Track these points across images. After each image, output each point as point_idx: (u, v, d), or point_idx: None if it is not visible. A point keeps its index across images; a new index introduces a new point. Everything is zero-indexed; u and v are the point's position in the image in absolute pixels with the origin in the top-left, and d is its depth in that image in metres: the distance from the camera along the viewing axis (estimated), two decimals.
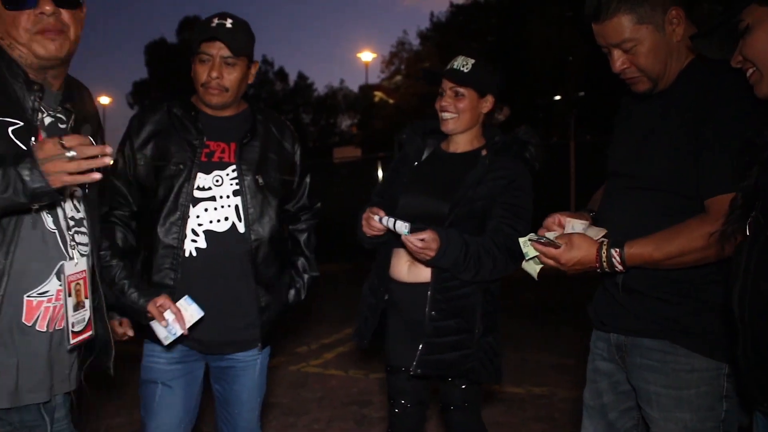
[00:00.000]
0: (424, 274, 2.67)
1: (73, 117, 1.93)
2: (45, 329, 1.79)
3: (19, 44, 1.78)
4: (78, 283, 1.85)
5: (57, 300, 1.81)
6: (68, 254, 1.84)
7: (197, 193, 2.50)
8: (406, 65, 33.78)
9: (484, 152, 2.76)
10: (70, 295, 1.81)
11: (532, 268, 2.21)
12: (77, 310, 1.85)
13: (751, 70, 1.67)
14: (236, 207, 2.53)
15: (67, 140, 1.61)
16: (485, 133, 2.84)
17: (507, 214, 2.63)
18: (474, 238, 2.59)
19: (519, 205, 2.66)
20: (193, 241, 2.50)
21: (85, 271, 1.88)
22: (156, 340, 2.46)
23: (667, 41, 2.03)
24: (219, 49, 2.47)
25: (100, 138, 2.05)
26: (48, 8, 1.77)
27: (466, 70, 2.70)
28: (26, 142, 1.73)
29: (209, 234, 2.51)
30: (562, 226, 2.21)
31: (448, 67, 2.75)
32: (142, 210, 2.60)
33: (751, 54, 1.64)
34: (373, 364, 6.01)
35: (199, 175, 2.51)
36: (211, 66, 2.48)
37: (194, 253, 2.50)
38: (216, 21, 2.47)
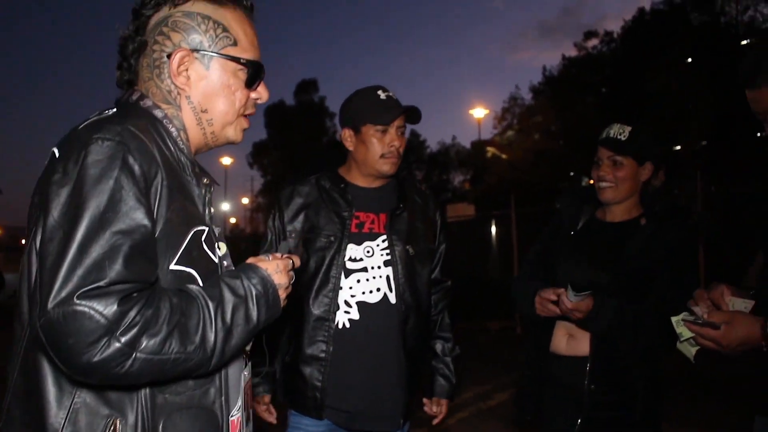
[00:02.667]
0: (583, 347, 2.58)
1: (212, 191, 1.65)
2: None
3: (219, 120, 1.58)
4: (247, 393, 1.65)
5: (239, 413, 1.60)
6: (245, 360, 1.64)
7: (349, 264, 2.54)
8: (518, 120, 33.66)
9: (643, 221, 2.66)
10: (244, 408, 1.62)
11: (688, 350, 2.03)
12: (248, 423, 1.65)
13: None
14: (387, 277, 2.54)
15: (296, 261, 1.58)
16: (643, 201, 2.73)
17: (669, 285, 2.48)
18: (634, 306, 2.47)
19: (683, 274, 2.50)
20: (346, 312, 2.53)
21: (250, 378, 1.68)
22: (311, 414, 2.52)
23: None
24: (398, 121, 2.55)
25: None
26: (266, 96, 1.66)
27: (623, 138, 2.63)
28: (213, 251, 1.49)
29: (362, 305, 2.53)
30: (714, 301, 2.00)
31: (604, 135, 2.68)
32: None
33: None
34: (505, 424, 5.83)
35: (350, 246, 2.55)
36: (392, 136, 2.54)
37: (347, 325, 2.52)
38: (384, 94, 2.55)
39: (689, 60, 24.67)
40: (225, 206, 54.26)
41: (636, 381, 2.51)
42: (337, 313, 2.51)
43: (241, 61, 1.56)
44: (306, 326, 2.52)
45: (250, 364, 1.66)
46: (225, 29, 1.54)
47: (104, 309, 1.16)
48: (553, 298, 2.51)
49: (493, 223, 15.80)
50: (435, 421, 2.74)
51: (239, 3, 1.60)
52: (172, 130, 1.51)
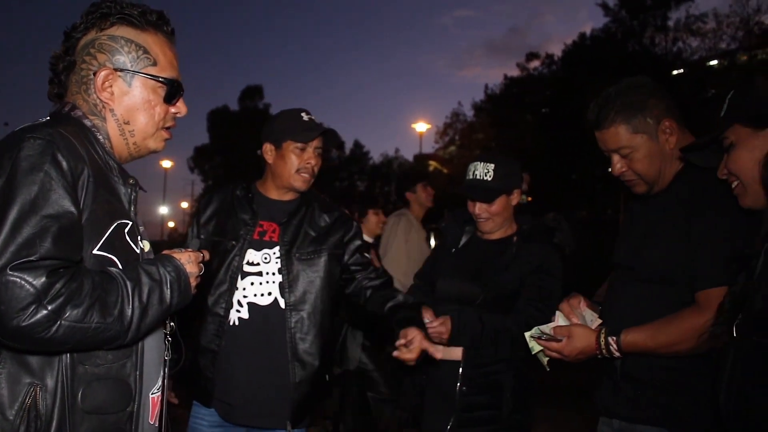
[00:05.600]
0: (456, 353, 2.81)
1: (137, 191, 1.81)
2: (155, 422, 1.73)
3: (140, 132, 1.75)
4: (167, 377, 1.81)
5: (159, 392, 1.75)
6: (166, 343, 1.80)
7: (246, 267, 2.71)
8: (460, 136, 34.18)
9: (515, 239, 2.91)
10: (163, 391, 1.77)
11: (542, 359, 2.37)
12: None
13: (735, 183, 1.83)
14: (280, 283, 2.71)
15: (205, 255, 1.75)
16: (517, 219, 2.99)
17: (533, 296, 2.76)
18: (494, 317, 2.74)
19: (545, 287, 2.77)
20: (237, 311, 2.70)
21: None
22: (202, 402, 2.69)
23: (661, 149, 2.22)
24: (316, 141, 2.74)
25: None
26: (184, 111, 1.84)
27: (489, 179, 2.83)
28: (135, 243, 1.65)
29: (252, 306, 2.69)
30: (571, 307, 2.35)
31: (470, 176, 2.88)
32: None
33: (734, 168, 1.80)
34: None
35: (250, 251, 2.73)
36: (309, 155, 2.74)
37: (237, 323, 2.69)
38: (307, 116, 2.76)
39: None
40: (164, 209, 53.23)
41: (504, 383, 2.76)
42: (231, 311, 2.68)
43: (160, 79, 1.74)
44: (204, 321, 2.70)
45: (170, 350, 1.81)
46: (146, 51, 1.73)
47: (34, 280, 1.32)
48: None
49: (432, 235, 16.03)
50: (406, 355, 2.43)
51: (160, 28, 1.79)
52: (99, 137, 1.69)
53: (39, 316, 1.32)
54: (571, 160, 25.19)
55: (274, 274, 2.71)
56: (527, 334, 2.34)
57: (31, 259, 1.33)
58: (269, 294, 2.70)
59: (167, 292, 1.57)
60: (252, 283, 2.70)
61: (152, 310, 1.52)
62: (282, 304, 2.69)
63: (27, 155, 1.43)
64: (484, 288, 2.81)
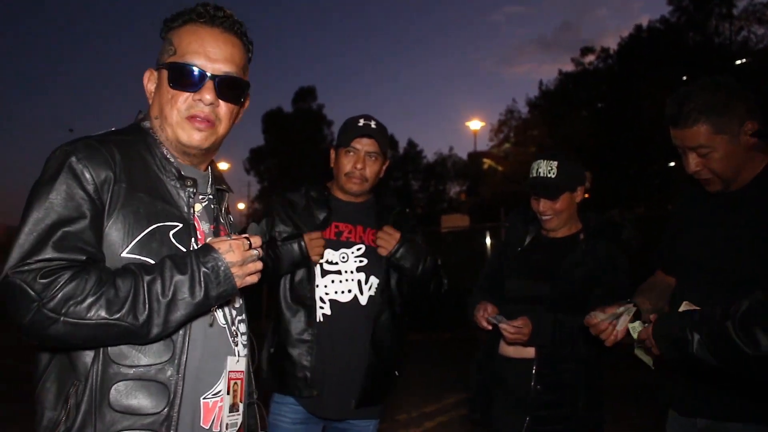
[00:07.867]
0: (528, 350, 2.80)
1: (227, 197, 1.88)
2: (209, 426, 1.68)
3: (167, 124, 1.69)
4: (236, 383, 1.74)
5: (218, 397, 1.70)
6: (234, 348, 1.74)
7: (326, 266, 2.86)
8: (514, 133, 33.80)
9: (581, 236, 2.89)
10: (228, 393, 1.71)
11: (647, 358, 2.28)
12: (231, 411, 1.73)
13: None
14: (359, 281, 2.85)
15: (254, 241, 1.62)
16: (581, 217, 2.97)
17: (605, 294, 2.71)
18: (569, 317, 2.71)
19: (616, 286, 2.74)
20: (321, 308, 2.83)
21: (243, 372, 1.77)
22: (292, 391, 2.78)
23: (741, 149, 2.16)
24: (365, 145, 2.87)
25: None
26: (208, 97, 1.67)
27: (553, 176, 2.82)
28: (186, 244, 1.62)
29: (333, 303, 2.83)
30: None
31: (534, 174, 2.87)
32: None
33: None
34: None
35: (328, 250, 2.86)
36: (356, 158, 2.87)
37: (321, 319, 2.82)
38: (363, 121, 2.89)
39: (684, 78, 24.94)
40: None
41: (577, 381, 2.74)
42: (315, 308, 2.81)
43: (165, 64, 1.69)
44: (291, 317, 2.82)
45: (245, 354, 1.79)
46: (171, 43, 1.71)
47: (33, 281, 1.41)
48: (485, 325, 2.81)
49: (488, 234, 15.88)
50: (379, 242, 2.88)
51: (198, 17, 1.71)
52: (157, 137, 1.72)
53: (39, 314, 1.40)
54: (628, 155, 24.70)
55: (352, 272, 2.86)
56: (632, 325, 2.26)
57: (29, 261, 1.43)
58: (349, 291, 2.84)
59: (199, 285, 1.52)
60: (333, 281, 2.84)
61: (182, 303, 1.51)
62: (362, 301, 2.84)
63: (48, 167, 1.54)
64: (554, 286, 2.80)
